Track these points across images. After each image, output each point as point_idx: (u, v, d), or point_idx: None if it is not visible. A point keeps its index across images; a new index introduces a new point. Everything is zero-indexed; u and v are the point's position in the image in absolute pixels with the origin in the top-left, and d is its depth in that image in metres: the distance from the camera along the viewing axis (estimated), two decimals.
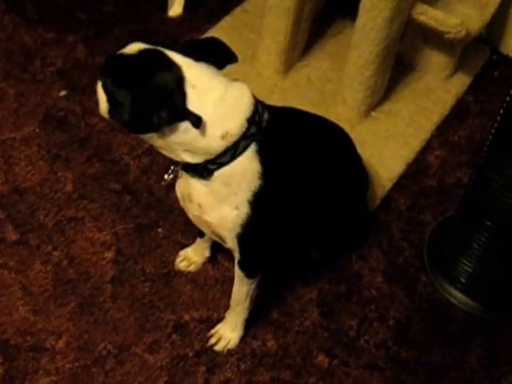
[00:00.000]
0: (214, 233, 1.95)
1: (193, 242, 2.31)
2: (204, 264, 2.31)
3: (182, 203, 1.97)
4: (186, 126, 1.67)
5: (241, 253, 1.96)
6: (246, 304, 2.10)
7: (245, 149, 1.75)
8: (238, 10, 3.04)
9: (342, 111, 2.66)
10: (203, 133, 1.69)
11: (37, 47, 2.84)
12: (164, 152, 1.79)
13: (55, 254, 2.29)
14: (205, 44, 1.76)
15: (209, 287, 2.27)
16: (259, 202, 1.82)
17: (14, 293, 2.20)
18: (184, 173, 1.85)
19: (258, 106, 1.78)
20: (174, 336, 2.16)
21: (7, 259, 2.26)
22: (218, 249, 2.31)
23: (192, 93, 1.66)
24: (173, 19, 3.01)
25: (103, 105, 1.74)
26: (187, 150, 1.74)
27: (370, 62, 2.53)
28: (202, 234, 2.23)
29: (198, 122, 1.65)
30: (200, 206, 1.86)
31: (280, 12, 2.65)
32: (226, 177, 1.77)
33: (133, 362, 2.10)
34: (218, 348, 2.15)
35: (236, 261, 2.00)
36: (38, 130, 2.58)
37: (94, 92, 2.62)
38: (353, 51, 2.55)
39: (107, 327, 2.16)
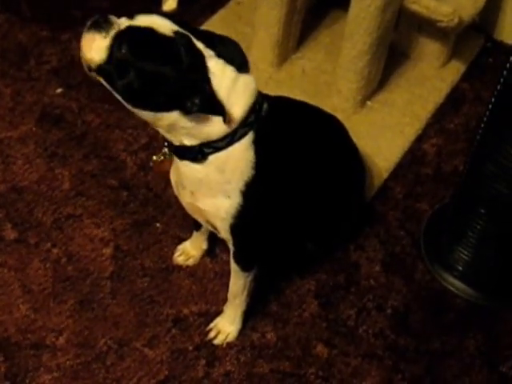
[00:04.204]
0: (207, 222, 1.95)
1: (191, 236, 2.32)
2: (202, 258, 2.32)
3: (175, 191, 1.97)
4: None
5: (235, 245, 1.96)
6: (244, 297, 2.11)
7: (242, 136, 1.75)
8: (231, 3, 3.04)
9: (338, 102, 2.66)
10: (211, 118, 1.70)
11: (32, 45, 2.84)
12: (161, 131, 1.77)
13: (54, 251, 2.30)
14: (222, 42, 1.75)
15: (207, 281, 2.28)
16: (251, 192, 1.81)
17: (14, 291, 2.21)
18: (175, 158, 1.84)
19: (260, 95, 1.79)
20: (173, 330, 2.17)
21: (6, 258, 2.27)
22: (215, 242, 2.32)
23: (213, 81, 1.67)
24: (167, 14, 3.00)
25: (98, 58, 1.67)
26: (188, 133, 1.74)
27: (363, 52, 2.54)
28: (198, 227, 2.25)
29: (225, 115, 1.67)
30: (192, 193, 1.86)
31: (273, 4, 2.65)
32: (221, 162, 1.77)
33: (133, 357, 2.11)
34: (217, 341, 2.16)
35: (231, 253, 2.01)
36: (34, 129, 2.59)
37: (91, 89, 2.67)
38: (346, 42, 2.56)
39: (107, 323, 2.17)
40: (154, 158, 1.91)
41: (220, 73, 1.68)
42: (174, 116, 1.69)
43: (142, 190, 2.46)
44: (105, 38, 1.68)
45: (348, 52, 2.56)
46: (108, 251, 2.32)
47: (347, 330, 2.22)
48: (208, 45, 1.69)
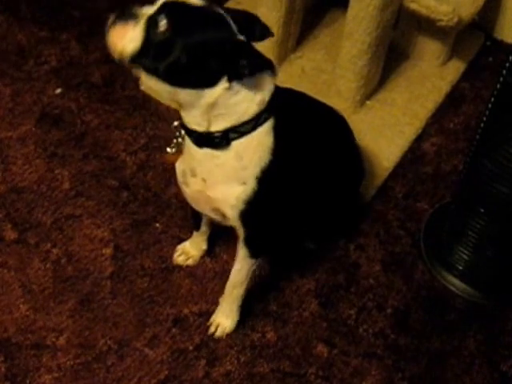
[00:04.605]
0: (214, 210, 1.93)
1: (190, 236, 2.32)
2: (202, 257, 2.32)
3: (181, 180, 1.95)
4: (241, 85, 1.68)
5: (245, 230, 1.95)
6: (242, 289, 2.11)
7: (265, 120, 1.77)
8: (231, 3, 3.03)
9: (337, 102, 2.64)
10: (249, 96, 1.71)
11: (31, 46, 2.84)
12: (192, 116, 1.75)
13: (54, 251, 2.30)
14: (241, 16, 1.74)
15: (207, 280, 2.28)
16: (266, 178, 1.82)
17: (14, 291, 2.21)
18: (190, 146, 1.83)
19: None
20: (173, 330, 2.17)
21: (6, 258, 2.27)
22: (215, 242, 2.32)
23: None
24: None
25: (131, 47, 1.65)
26: (224, 114, 1.73)
27: (363, 51, 2.53)
28: (198, 227, 2.25)
29: (274, 69, 1.70)
30: (204, 180, 1.85)
31: (272, 3, 2.65)
32: (242, 149, 1.77)
33: (133, 357, 2.12)
34: (217, 335, 2.17)
35: (241, 238, 1.99)
36: (34, 129, 2.59)
37: (90, 89, 2.67)
38: (345, 41, 2.56)
39: (107, 323, 2.17)
40: (168, 149, 1.89)
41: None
42: (218, 91, 1.67)
43: (141, 190, 2.46)
44: (135, 26, 1.66)
45: (347, 51, 2.56)
46: (108, 251, 2.32)
47: (347, 330, 2.22)
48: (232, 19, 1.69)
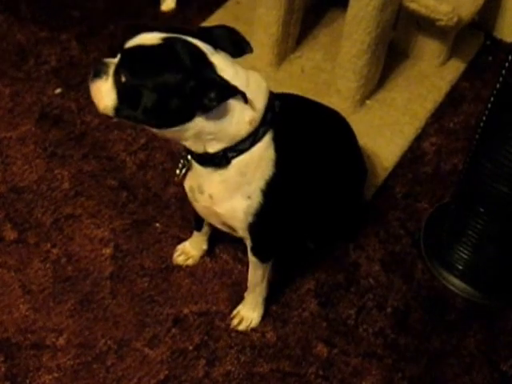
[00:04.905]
0: (224, 224, 1.96)
1: (190, 236, 2.32)
2: (202, 257, 2.32)
3: (190, 195, 1.96)
4: (223, 108, 1.67)
5: (253, 241, 1.97)
6: (264, 284, 2.13)
7: (263, 135, 1.76)
8: (230, 3, 3.04)
9: (337, 101, 2.65)
10: (236, 116, 1.70)
11: (31, 46, 2.84)
12: (187, 144, 1.76)
13: (54, 251, 2.30)
14: (218, 33, 1.74)
15: (207, 280, 2.28)
16: (271, 190, 1.83)
17: (14, 291, 2.21)
18: (195, 164, 1.84)
19: (270, 92, 1.80)
20: (173, 330, 2.17)
21: (6, 258, 2.27)
22: (215, 242, 2.32)
23: (224, 76, 1.66)
24: (166, 14, 3.02)
25: (110, 102, 1.69)
26: (215, 138, 1.73)
27: (362, 51, 2.53)
28: (198, 228, 2.25)
29: (245, 96, 1.66)
30: (211, 197, 1.86)
31: (272, 3, 2.65)
32: (243, 165, 1.78)
33: (133, 357, 2.11)
34: (241, 328, 2.18)
35: (248, 248, 2.01)
36: (33, 129, 2.59)
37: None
38: (345, 41, 2.56)
39: (107, 323, 2.17)
40: (178, 172, 1.90)
41: (229, 69, 1.68)
42: (198, 122, 1.68)
43: (141, 190, 2.46)
44: (106, 80, 1.69)
45: (347, 51, 2.56)
46: (108, 251, 2.32)
47: (347, 330, 2.22)
48: (206, 40, 1.68)
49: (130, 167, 2.51)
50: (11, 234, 2.33)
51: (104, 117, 2.53)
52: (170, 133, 1.73)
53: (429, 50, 2.84)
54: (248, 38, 2.75)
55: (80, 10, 2.97)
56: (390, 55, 2.73)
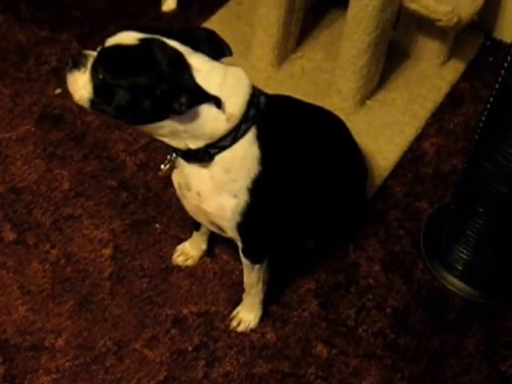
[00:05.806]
0: (212, 223, 1.95)
1: (190, 236, 2.31)
2: (202, 258, 2.31)
3: (178, 192, 1.96)
4: (195, 111, 1.67)
5: (243, 241, 1.97)
6: (260, 286, 2.13)
7: (245, 132, 1.75)
8: (231, 3, 3.04)
9: (337, 101, 2.66)
10: (211, 116, 1.69)
11: (31, 46, 2.85)
12: (165, 140, 1.77)
13: (53, 252, 2.30)
14: (198, 34, 1.75)
15: (207, 281, 2.28)
16: (258, 188, 1.82)
17: (13, 292, 2.21)
18: (182, 161, 1.84)
19: (255, 88, 1.79)
20: (172, 331, 2.17)
21: (5, 259, 2.27)
22: (215, 242, 2.32)
23: (198, 77, 1.66)
24: (167, 14, 3.02)
25: (86, 94, 1.71)
26: (192, 136, 1.73)
27: (362, 51, 2.53)
28: (198, 227, 2.25)
29: (218, 101, 1.66)
30: (199, 194, 1.86)
31: (272, 4, 2.65)
32: (227, 161, 1.77)
33: (132, 358, 2.11)
34: (239, 329, 2.18)
35: (240, 249, 2.01)
36: (33, 129, 2.59)
37: None
38: (345, 41, 2.55)
39: (106, 324, 2.17)
40: (162, 167, 1.91)
41: (205, 68, 1.67)
42: (170, 123, 1.69)
43: (141, 191, 2.46)
44: (84, 72, 1.71)
45: (347, 51, 2.56)
46: (107, 252, 2.31)
47: (347, 330, 2.22)
48: (184, 42, 1.68)
49: (131, 167, 2.51)
50: (10, 235, 2.33)
51: (104, 117, 2.55)
52: (144, 129, 1.74)
53: (429, 50, 2.84)
54: (249, 38, 2.80)
55: (80, 10, 2.98)
56: (390, 55, 2.73)
